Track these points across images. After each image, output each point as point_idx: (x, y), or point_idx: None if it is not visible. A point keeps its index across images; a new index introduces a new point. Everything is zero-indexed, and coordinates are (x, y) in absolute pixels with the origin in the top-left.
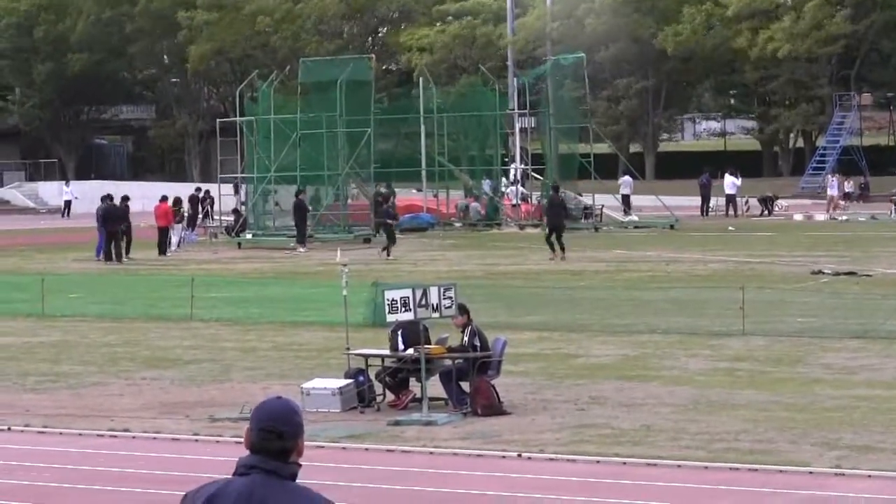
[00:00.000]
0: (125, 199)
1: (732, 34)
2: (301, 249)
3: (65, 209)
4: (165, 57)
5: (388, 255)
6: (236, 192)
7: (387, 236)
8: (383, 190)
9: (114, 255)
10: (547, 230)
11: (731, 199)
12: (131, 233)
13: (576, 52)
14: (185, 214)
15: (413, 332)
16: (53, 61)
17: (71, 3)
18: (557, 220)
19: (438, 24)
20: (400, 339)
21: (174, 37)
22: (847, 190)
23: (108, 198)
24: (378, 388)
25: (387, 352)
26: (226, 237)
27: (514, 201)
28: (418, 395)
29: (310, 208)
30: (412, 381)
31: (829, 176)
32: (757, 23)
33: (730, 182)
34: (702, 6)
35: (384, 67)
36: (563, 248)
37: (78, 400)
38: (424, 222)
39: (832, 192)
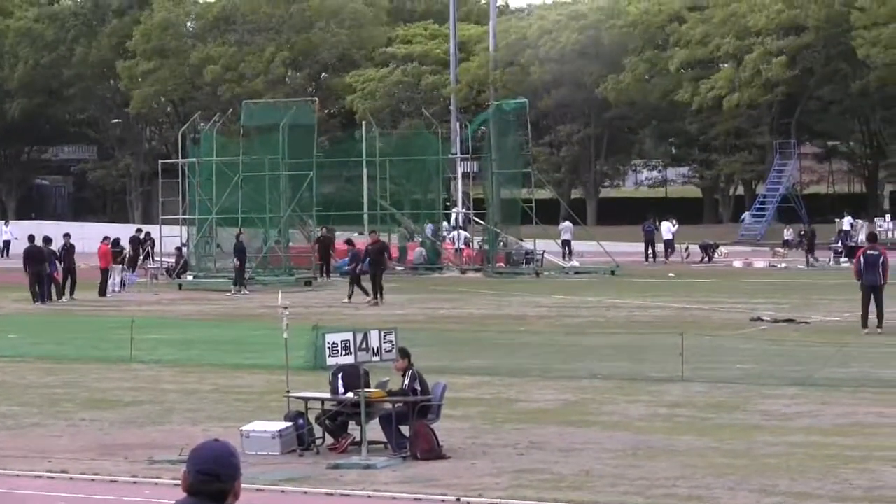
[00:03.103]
0: (66, 236)
1: (674, 85)
2: (245, 291)
3: (4, 249)
4: (107, 98)
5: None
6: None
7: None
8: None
9: (54, 295)
10: (372, 273)
11: (668, 244)
12: (76, 274)
13: (518, 99)
14: (126, 255)
15: (353, 376)
16: None
17: (2, 49)
18: (382, 262)
19: (382, 68)
20: (340, 382)
21: (115, 83)
22: (787, 238)
23: (44, 240)
24: (318, 431)
25: (327, 395)
26: (166, 279)
27: (456, 246)
28: (358, 439)
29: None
30: (352, 425)
31: (860, 221)
32: (699, 72)
33: (666, 228)
34: (643, 55)
35: (327, 111)
36: (380, 291)
37: (16, 440)
38: (366, 266)
39: (861, 237)
